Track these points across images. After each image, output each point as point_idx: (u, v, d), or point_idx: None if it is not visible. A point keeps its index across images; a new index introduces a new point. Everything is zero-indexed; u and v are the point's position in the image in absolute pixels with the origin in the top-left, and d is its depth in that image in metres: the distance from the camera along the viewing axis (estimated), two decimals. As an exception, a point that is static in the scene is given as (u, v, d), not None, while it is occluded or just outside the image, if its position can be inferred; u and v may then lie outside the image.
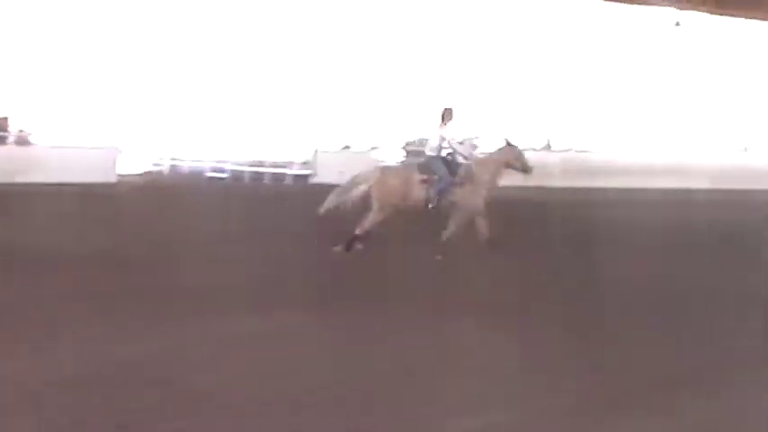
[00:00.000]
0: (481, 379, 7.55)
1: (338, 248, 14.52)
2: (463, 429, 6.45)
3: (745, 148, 40.34)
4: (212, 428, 6.43)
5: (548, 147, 39.88)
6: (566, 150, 39.92)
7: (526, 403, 6.92)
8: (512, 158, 15.31)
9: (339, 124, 43.14)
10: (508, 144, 15.58)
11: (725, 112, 45.33)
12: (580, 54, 46.59)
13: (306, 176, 38.88)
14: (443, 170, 14.80)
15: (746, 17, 46.24)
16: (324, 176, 37.13)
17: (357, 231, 14.63)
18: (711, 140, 42.12)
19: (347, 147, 41.39)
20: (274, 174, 40.32)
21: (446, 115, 14.99)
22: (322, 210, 14.82)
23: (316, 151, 39.45)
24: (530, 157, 15.70)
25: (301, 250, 15.21)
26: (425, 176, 14.85)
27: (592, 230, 18.76)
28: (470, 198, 14.86)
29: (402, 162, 39.30)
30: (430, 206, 14.82)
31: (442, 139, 14.91)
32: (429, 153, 15.02)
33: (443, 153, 14.96)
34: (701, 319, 10.00)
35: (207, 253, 14.97)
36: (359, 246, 14.57)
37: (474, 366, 7.94)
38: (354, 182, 14.99)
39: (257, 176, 40.57)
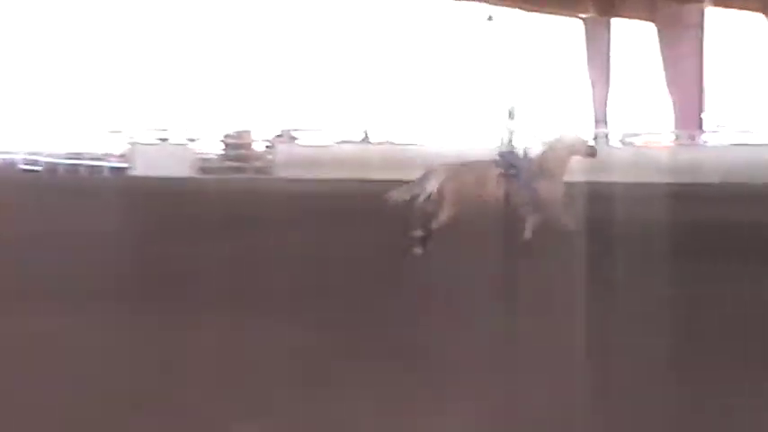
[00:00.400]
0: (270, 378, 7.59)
1: (419, 251, 13.33)
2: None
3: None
4: (13, 429, 6.39)
5: (366, 139, 39.92)
6: (384, 143, 40.00)
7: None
8: (577, 146, 14.50)
9: (156, 115, 42.72)
10: (562, 132, 14.74)
11: (535, 107, 46.76)
12: (395, 47, 47.43)
13: (123, 169, 38.37)
14: (523, 163, 14.07)
15: (555, 13, 47.90)
16: (142, 169, 36.70)
17: (431, 228, 13.54)
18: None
19: (165, 139, 40.91)
20: (90, 166, 39.67)
21: (512, 113, 14.28)
22: (393, 198, 13.98)
23: (132, 143, 38.96)
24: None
25: (117, 246, 15.03)
26: (502, 170, 14.00)
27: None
28: (550, 194, 13.97)
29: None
30: (521, 208, 13.83)
31: (511, 134, 14.06)
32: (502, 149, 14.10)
33: (516, 149, 14.11)
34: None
35: (17, 249, 14.67)
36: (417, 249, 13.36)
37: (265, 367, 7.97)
38: (426, 176, 14.02)
39: (73, 169, 39.83)
